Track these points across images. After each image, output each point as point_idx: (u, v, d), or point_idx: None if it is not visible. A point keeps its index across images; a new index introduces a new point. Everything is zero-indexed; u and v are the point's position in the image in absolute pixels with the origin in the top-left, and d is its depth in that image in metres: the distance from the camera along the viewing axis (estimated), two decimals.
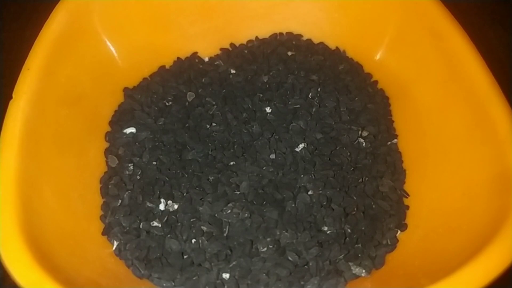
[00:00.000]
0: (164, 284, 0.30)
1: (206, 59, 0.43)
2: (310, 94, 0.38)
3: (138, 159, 0.35)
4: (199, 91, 0.39)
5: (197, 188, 0.33)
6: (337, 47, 0.43)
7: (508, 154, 0.29)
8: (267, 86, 0.39)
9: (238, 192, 0.33)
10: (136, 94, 0.40)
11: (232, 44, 0.43)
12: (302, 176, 0.33)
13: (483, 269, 0.24)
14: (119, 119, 0.38)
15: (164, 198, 0.33)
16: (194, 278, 0.30)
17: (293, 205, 0.32)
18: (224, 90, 0.39)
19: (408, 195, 0.35)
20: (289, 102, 0.38)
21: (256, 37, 0.44)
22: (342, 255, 0.31)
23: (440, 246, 0.30)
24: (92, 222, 0.33)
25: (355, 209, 0.33)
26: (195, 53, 0.43)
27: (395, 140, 0.38)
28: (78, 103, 0.35)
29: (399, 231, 0.33)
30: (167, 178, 0.34)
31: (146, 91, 0.40)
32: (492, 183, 0.29)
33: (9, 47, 0.49)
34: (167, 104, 0.39)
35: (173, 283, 0.30)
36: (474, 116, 0.32)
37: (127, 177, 0.35)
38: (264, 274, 0.30)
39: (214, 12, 0.42)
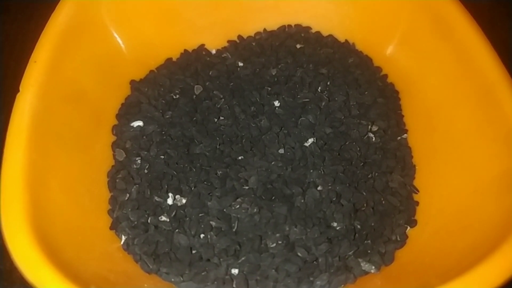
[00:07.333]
0: (173, 279, 0.30)
1: (213, 52, 0.42)
2: (319, 88, 0.38)
3: (145, 152, 0.35)
4: (207, 84, 0.38)
5: (205, 183, 0.33)
6: (346, 40, 0.42)
7: None
8: (276, 79, 0.39)
9: (246, 187, 0.33)
10: (143, 86, 0.39)
11: (239, 36, 0.43)
12: (311, 171, 0.33)
13: (496, 269, 0.24)
14: (126, 112, 0.38)
15: (172, 193, 0.33)
16: (203, 274, 0.30)
17: (302, 200, 0.32)
18: (231, 83, 0.38)
19: (418, 191, 0.35)
20: (298, 96, 0.37)
21: (264, 29, 0.43)
22: (352, 251, 0.31)
23: (451, 244, 0.29)
24: (100, 216, 0.33)
25: (365, 204, 0.33)
26: (202, 45, 0.42)
27: (405, 135, 0.37)
28: (85, 96, 0.35)
29: (408, 227, 0.33)
30: (175, 172, 0.34)
31: (153, 84, 0.39)
32: (504, 180, 0.29)
33: (14, 38, 0.48)
34: (174, 97, 0.38)
35: (181, 278, 0.30)
36: (486, 112, 0.31)
37: (135, 171, 0.34)
38: (273, 270, 0.30)
39: (222, 4, 0.42)
